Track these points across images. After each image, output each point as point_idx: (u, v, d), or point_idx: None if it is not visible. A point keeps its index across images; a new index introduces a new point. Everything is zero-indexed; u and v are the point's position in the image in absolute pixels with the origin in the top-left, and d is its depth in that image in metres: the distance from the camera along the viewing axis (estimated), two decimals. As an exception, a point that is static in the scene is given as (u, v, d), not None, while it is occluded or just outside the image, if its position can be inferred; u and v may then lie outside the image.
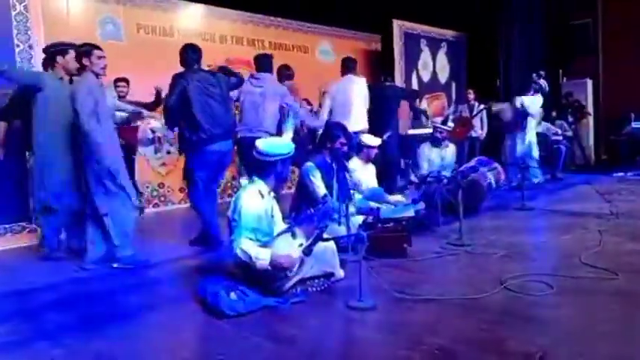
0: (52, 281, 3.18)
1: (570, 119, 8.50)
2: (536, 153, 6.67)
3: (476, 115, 7.66)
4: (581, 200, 5.29)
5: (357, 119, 5.08)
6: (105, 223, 3.38)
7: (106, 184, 3.34)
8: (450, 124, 6.68)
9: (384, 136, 4.50)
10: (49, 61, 3.82)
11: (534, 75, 6.34)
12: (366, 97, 5.28)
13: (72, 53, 3.63)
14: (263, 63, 4.63)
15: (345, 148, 3.74)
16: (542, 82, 6.30)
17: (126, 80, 5.09)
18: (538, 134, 7.53)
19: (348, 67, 5.31)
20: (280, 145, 2.70)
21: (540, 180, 6.59)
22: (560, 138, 7.76)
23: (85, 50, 3.41)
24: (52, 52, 3.73)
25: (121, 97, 4.90)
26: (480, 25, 8.79)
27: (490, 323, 2.13)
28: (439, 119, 5.67)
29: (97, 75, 3.42)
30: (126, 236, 3.44)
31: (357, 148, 4.19)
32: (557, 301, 2.33)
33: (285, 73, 4.93)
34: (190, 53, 3.84)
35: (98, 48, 3.50)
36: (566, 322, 2.09)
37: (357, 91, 5.20)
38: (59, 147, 3.66)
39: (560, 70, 8.95)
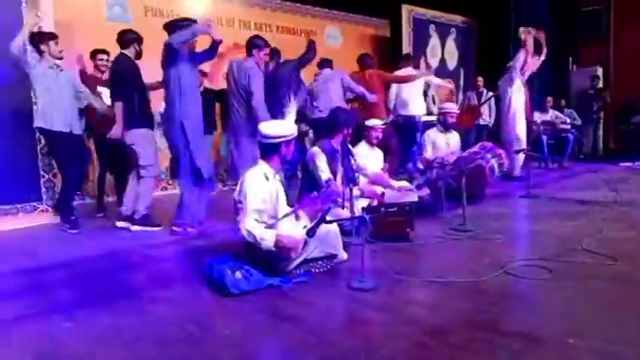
0: (64, 258, 3.29)
1: (595, 107, 8.39)
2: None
3: (484, 102, 7.63)
4: (586, 189, 5.29)
5: (417, 105, 6.27)
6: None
7: None
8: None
9: (387, 120, 4.59)
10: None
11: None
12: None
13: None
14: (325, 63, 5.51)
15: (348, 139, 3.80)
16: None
17: (106, 52, 4.81)
18: (546, 122, 7.51)
19: (406, 61, 6.62)
20: (283, 127, 2.73)
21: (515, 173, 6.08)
22: (569, 127, 7.73)
23: (258, 44, 4.14)
24: (180, 27, 3.75)
25: (102, 72, 4.79)
26: (490, 11, 8.69)
27: (488, 305, 2.18)
28: (449, 104, 5.62)
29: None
30: None
31: (363, 130, 4.24)
32: (555, 285, 2.37)
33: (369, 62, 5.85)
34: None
35: (268, 45, 4.21)
36: (562, 305, 2.14)
37: (417, 81, 6.22)
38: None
39: (570, 58, 8.85)
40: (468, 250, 3.16)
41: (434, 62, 8.78)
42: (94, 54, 4.86)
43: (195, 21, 3.84)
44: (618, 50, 8.68)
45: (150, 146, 4.09)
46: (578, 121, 8.23)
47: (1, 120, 4.33)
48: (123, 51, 4.06)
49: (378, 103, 5.61)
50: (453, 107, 5.35)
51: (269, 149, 2.71)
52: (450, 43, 9.11)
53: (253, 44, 4.17)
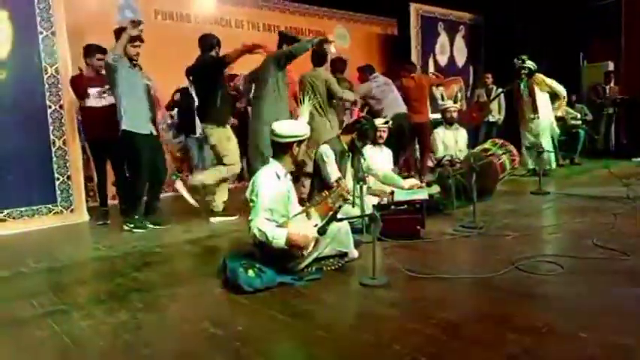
0: (79, 258, 3.35)
1: (609, 102, 8.29)
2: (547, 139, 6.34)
3: (494, 99, 7.59)
4: (598, 184, 5.26)
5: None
6: None
7: None
8: (460, 102, 6.95)
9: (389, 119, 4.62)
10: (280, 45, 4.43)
11: (516, 61, 6.25)
12: None
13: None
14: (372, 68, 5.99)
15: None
16: (530, 64, 6.19)
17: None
18: (557, 118, 7.44)
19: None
20: (295, 127, 2.76)
21: (552, 167, 6.33)
22: (579, 122, 7.66)
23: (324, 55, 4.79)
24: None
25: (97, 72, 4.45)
26: (499, 8, 8.64)
27: (499, 300, 2.19)
28: (447, 101, 5.80)
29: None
30: None
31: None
32: (566, 280, 2.37)
33: None
34: None
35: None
36: (573, 299, 2.14)
37: None
38: None
39: (581, 54, 8.76)
40: (479, 246, 3.16)
41: (443, 60, 8.76)
42: (94, 52, 4.41)
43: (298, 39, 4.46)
44: (631, 45, 8.56)
45: (232, 145, 4.32)
46: (590, 117, 8.14)
47: (16, 123, 4.41)
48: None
49: (425, 104, 6.12)
50: (449, 102, 5.68)
51: (281, 148, 2.74)
52: (459, 40, 9.07)
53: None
